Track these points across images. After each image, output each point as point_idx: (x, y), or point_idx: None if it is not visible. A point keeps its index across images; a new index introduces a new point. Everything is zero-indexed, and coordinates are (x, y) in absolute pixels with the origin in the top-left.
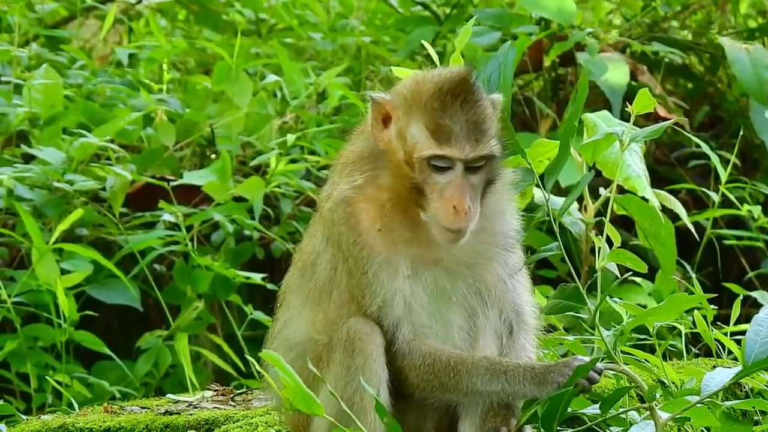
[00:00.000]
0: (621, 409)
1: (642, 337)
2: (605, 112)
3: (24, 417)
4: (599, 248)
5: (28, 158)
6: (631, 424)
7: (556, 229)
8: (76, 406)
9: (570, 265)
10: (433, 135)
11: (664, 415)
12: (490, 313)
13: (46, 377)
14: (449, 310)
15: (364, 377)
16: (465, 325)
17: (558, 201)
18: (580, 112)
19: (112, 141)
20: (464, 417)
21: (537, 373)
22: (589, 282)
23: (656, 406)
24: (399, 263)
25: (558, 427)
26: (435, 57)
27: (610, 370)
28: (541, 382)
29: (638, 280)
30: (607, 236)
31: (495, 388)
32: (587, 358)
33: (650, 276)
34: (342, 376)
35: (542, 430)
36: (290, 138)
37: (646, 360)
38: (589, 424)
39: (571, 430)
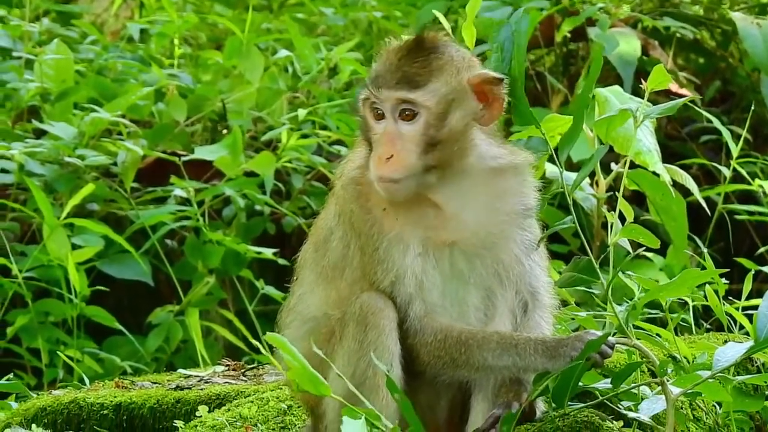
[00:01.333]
0: (632, 384)
1: (653, 311)
2: (617, 87)
3: (34, 394)
4: (611, 223)
5: (40, 133)
6: (643, 399)
7: (570, 203)
8: (87, 381)
9: (582, 239)
10: (369, 81)
11: (675, 390)
12: (508, 293)
13: (58, 352)
14: (466, 291)
15: (377, 352)
16: (481, 306)
17: (570, 176)
18: (594, 86)
19: (123, 116)
20: (476, 393)
21: (549, 347)
22: (601, 257)
23: (668, 380)
24: (410, 240)
25: (569, 402)
26: (448, 28)
27: (622, 344)
28: (552, 355)
29: (650, 255)
30: (619, 211)
31: (506, 362)
32: (599, 333)
33: (662, 251)
34: (355, 351)
35: (553, 404)
36: (301, 113)
37: (657, 335)
38: (601, 398)
39: (582, 404)
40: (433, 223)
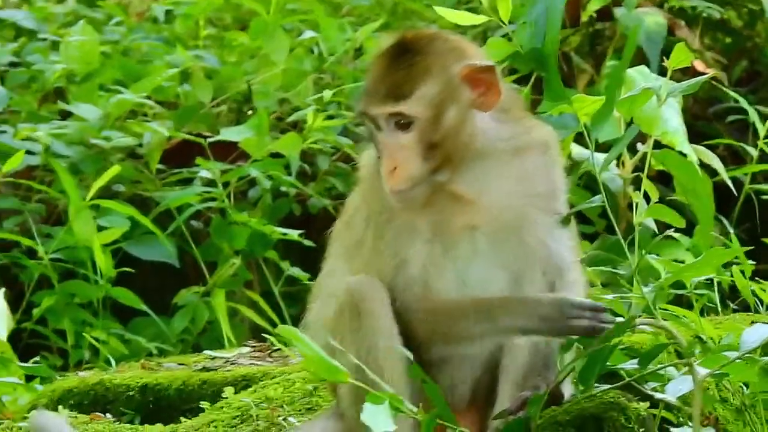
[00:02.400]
0: (659, 365)
1: (678, 292)
2: (642, 67)
3: (59, 376)
4: (637, 203)
5: (65, 115)
6: (669, 380)
7: (600, 183)
8: (113, 362)
9: (609, 219)
10: (362, 94)
11: (702, 371)
12: (536, 274)
13: (83, 334)
14: (491, 274)
15: (374, 337)
16: (508, 288)
17: (596, 156)
18: (628, 63)
19: (148, 97)
20: (503, 375)
21: (527, 306)
22: (629, 238)
23: (694, 361)
24: (419, 227)
25: (595, 383)
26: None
27: (649, 325)
28: (530, 314)
29: (676, 235)
30: (645, 191)
31: (484, 327)
32: (576, 300)
33: (688, 231)
34: (352, 339)
35: (580, 385)
36: (327, 94)
37: (683, 316)
38: (628, 380)
39: (609, 386)
40: (452, 209)
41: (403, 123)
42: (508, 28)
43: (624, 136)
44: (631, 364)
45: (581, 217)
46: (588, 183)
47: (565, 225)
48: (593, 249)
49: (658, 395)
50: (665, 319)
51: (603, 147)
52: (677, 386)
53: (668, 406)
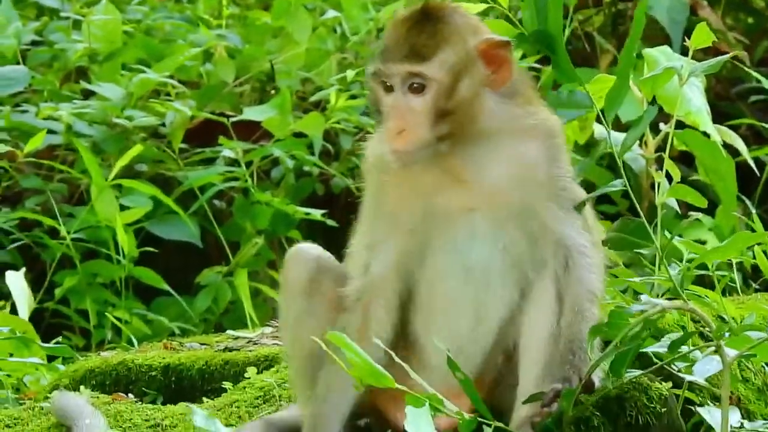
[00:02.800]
0: (686, 348)
1: (701, 272)
2: (665, 47)
3: (80, 357)
4: (659, 184)
5: (88, 94)
6: (693, 361)
7: (620, 164)
8: (135, 342)
9: (631, 200)
10: (378, 55)
11: (731, 352)
12: (538, 260)
13: (106, 314)
14: (492, 257)
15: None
16: (513, 271)
17: (618, 136)
18: (638, 44)
19: (171, 77)
20: (525, 366)
21: None
22: (654, 222)
23: (722, 343)
24: (407, 213)
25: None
26: None
27: (677, 308)
28: None
29: (698, 215)
30: (667, 172)
31: None
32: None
33: (710, 211)
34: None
35: (611, 375)
36: (350, 74)
37: (705, 296)
38: (659, 363)
39: (639, 371)
40: (449, 189)
41: (418, 86)
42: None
43: (643, 117)
44: (659, 347)
45: (604, 198)
46: (610, 163)
47: (578, 211)
48: (614, 230)
49: (685, 377)
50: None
51: (626, 127)
52: (704, 367)
53: (692, 386)
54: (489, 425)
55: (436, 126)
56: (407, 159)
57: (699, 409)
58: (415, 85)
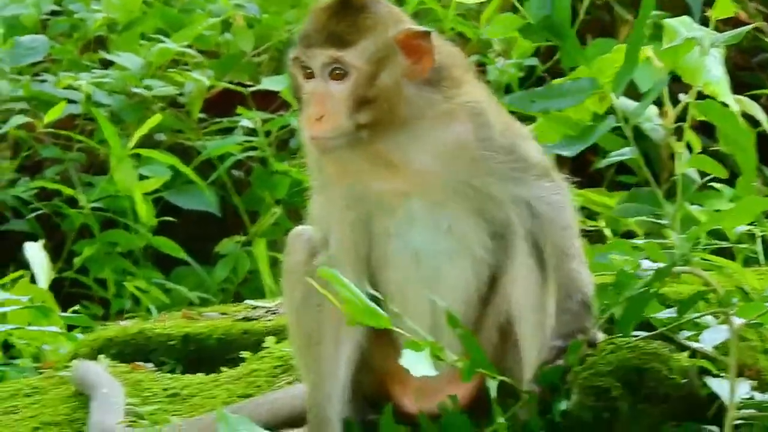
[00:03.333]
0: (695, 314)
1: (722, 244)
2: (685, 18)
3: (99, 326)
4: (679, 154)
5: (106, 64)
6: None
7: (629, 133)
8: (154, 311)
9: (650, 170)
10: (299, 40)
11: (739, 320)
12: (486, 239)
13: (124, 283)
14: (436, 240)
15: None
16: (456, 253)
17: (629, 104)
18: (652, 15)
19: (189, 46)
20: (523, 327)
21: None
22: (679, 194)
23: (732, 311)
24: (338, 195)
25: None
26: None
27: (685, 273)
28: None
29: (718, 186)
30: (687, 142)
31: None
32: None
33: (731, 182)
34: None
35: (618, 332)
36: None
37: (725, 266)
38: (664, 329)
39: (646, 333)
40: (382, 176)
41: (339, 73)
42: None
43: (653, 88)
44: (668, 313)
45: (624, 168)
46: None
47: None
48: (625, 200)
49: (693, 344)
50: (706, 270)
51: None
52: (712, 335)
53: (708, 357)
54: (493, 377)
55: (356, 114)
56: (325, 146)
57: (708, 379)
58: (336, 72)
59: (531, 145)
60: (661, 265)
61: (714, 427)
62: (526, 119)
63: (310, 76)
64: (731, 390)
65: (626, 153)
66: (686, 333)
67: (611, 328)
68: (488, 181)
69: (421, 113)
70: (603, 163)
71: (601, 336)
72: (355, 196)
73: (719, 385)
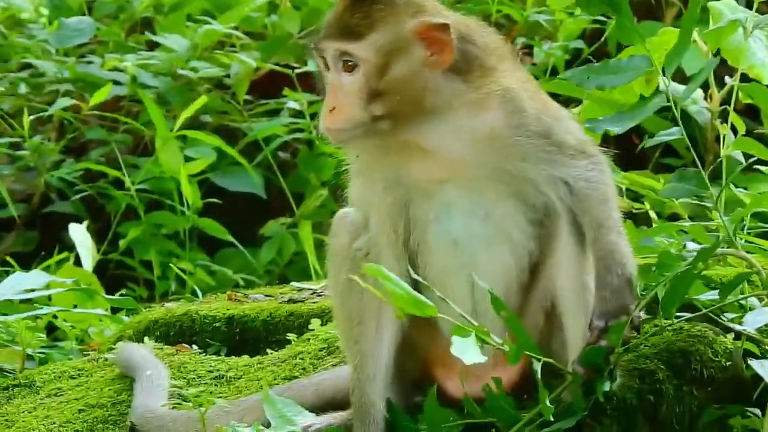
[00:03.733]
0: (740, 296)
1: (767, 227)
2: (730, 0)
3: (144, 308)
4: (724, 136)
5: (153, 45)
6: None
7: (677, 114)
8: (199, 293)
9: (694, 152)
10: (320, 30)
11: None
12: (524, 225)
13: (170, 265)
14: (474, 226)
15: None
16: (494, 238)
17: (677, 88)
18: None
19: (236, 28)
20: (567, 310)
21: None
22: (724, 180)
23: None
24: (378, 178)
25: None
26: None
27: (729, 255)
28: None
29: (763, 169)
30: (732, 124)
31: None
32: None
33: None
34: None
35: (662, 314)
36: None
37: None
38: (706, 311)
39: (689, 314)
40: (418, 163)
41: (350, 64)
42: None
43: (702, 69)
44: (711, 295)
45: (670, 151)
46: (674, 116)
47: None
48: (671, 181)
49: (737, 327)
50: (750, 252)
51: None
52: (756, 317)
53: (752, 339)
54: (538, 359)
55: (370, 105)
56: (340, 137)
57: (752, 361)
58: (347, 64)
59: (568, 126)
60: (706, 246)
61: (756, 410)
62: (569, 103)
63: (327, 66)
64: None
65: (674, 133)
66: (730, 315)
67: (655, 309)
68: (523, 166)
69: (448, 103)
70: (650, 142)
71: (643, 316)
72: (392, 180)
73: (763, 368)
